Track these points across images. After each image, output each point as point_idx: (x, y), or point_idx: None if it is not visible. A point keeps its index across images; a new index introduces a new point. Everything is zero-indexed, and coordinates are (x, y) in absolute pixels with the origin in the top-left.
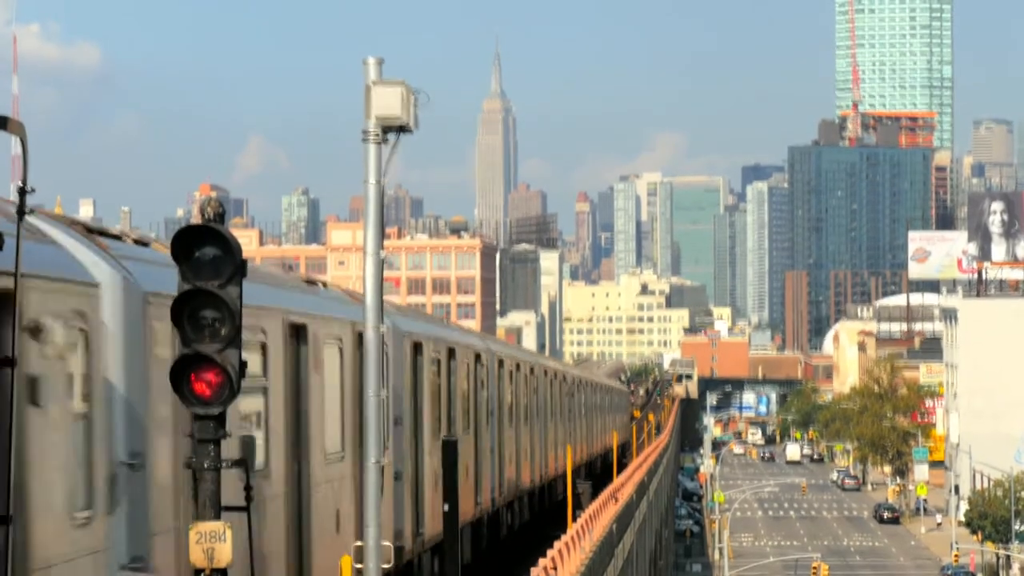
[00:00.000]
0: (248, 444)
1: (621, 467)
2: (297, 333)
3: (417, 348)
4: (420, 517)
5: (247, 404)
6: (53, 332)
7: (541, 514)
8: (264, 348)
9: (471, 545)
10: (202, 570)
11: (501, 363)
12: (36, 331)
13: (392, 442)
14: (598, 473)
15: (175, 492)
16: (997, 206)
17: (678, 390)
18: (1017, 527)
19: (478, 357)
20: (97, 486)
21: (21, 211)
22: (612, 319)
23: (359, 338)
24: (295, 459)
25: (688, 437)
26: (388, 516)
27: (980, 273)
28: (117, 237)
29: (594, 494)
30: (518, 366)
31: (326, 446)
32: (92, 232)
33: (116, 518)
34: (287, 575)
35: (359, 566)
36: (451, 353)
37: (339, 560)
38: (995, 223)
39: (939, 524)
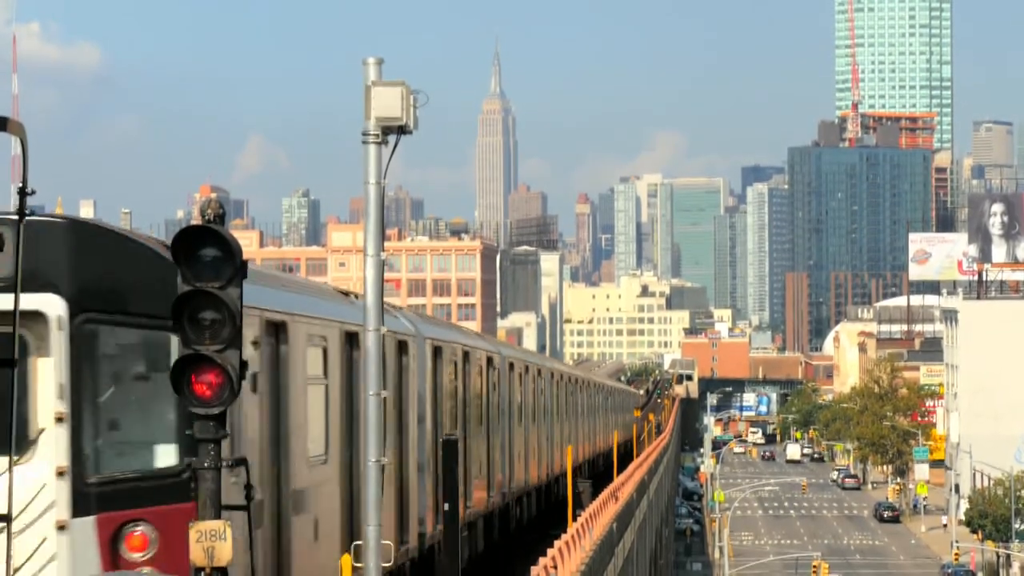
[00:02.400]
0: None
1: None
2: None
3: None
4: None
5: None
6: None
7: (540, 514)
8: None
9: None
10: (202, 568)
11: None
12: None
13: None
14: (622, 455)
15: None
16: (997, 208)
17: (678, 390)
18: (1017, 526)
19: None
20: None
21: (21, 213)
22: (612, 320)
23: None
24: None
25: (689, 437)
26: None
27: (980, 275)
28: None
29: (595, 492)
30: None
31: None
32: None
33: None
34: None
35: (359, 565)
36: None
37: None
38: (995, 225)
39: (944, 526)
